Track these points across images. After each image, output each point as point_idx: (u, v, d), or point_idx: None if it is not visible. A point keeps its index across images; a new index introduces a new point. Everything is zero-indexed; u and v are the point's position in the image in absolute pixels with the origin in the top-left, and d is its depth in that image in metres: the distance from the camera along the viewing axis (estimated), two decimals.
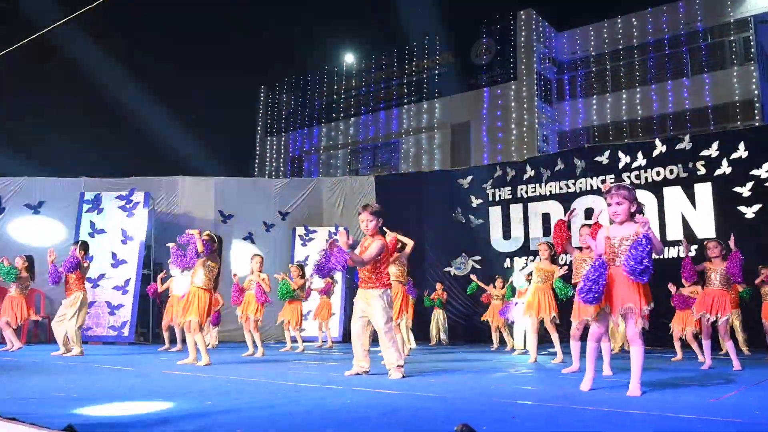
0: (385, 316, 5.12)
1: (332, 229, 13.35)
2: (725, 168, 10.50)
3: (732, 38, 19.17)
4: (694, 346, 7.50)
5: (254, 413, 3.24)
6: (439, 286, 12.27)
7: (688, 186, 10.81)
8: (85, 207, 12.08)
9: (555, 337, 7.28)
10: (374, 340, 6.26)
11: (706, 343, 6.40)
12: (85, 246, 8.38)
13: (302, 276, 9.64)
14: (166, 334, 9.88)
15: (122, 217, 12.03)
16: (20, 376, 5.27)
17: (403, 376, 5.06)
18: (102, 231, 11.92)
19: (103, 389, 4.33)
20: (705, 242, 6.58)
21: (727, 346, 6.32)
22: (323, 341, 11.05)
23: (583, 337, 5.88)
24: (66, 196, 12.73)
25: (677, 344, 7.85)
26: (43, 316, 11.71)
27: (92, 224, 11.94)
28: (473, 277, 11.18)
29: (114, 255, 11.74)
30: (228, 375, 5.45)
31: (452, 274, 13.10)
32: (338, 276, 12.38)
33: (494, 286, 10.60)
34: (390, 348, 5.11)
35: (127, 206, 12.09)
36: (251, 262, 8.70)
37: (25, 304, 8.97)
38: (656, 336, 9.11)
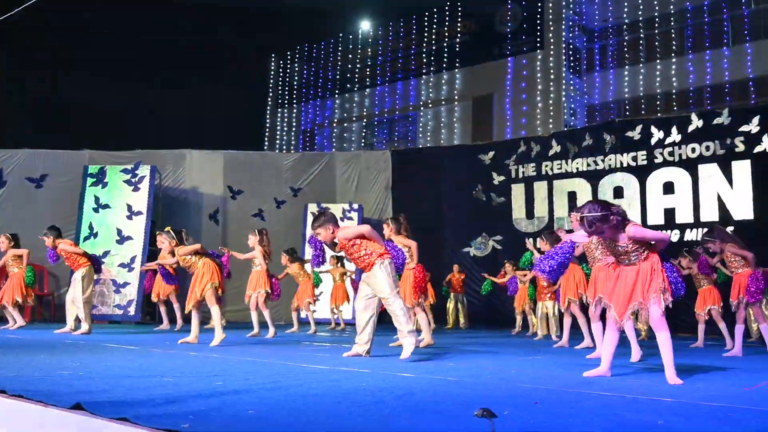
0: (387, 286, 5.35)
1: (346, 206, 13.38)
2: (766, 145, 10.33)
3: None
4: (722, 326, 7.47)
5: (266, 394, 3.30)
6: (455, 267, 12.28)
7: (725, 164, 10.66)
8: (89, 181, 12.21)
9: (582, 321, 7.32)
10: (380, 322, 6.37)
11: (739, 328, 6.46)
12: (56, 232, 8.46)
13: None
14: (163, 309, 10.01)
15: (128, 192, 12.14)
16: (25, 354, 5.39)
17: (415, 347, 5.28)
18: (107, 206, 12.05)
19: (110, 368, 4.42)
20: None
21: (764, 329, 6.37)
22: (336, 323, 11.17)
23: (603, 317, 5.90)
24: (69, 169, 12.87)
25: (702, 328, 7.81)
26: (47, 293, 11.92)
27: (96, 199, 12.07)
28: (486, 275, 11.18)
29: (119, 231, 11.88)
30: (238, 355, 5.54)
31: (472, 254, 13.10)
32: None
33: (516, 269, 10.61)
34: (399, 315, 5.33)
35: (133, 180, 12.20)
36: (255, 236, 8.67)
37: (22, 281, 9.04)
38: (679, 321, 9.10)
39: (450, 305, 12.32)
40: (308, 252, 9.85)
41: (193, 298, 6.72)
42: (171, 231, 7.34)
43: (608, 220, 4.02)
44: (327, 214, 5.55)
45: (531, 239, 9.72)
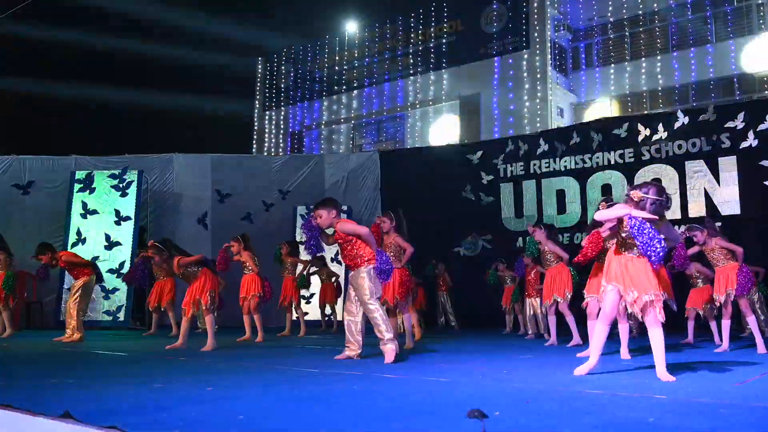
0: (368, 290, 5.36)
1: None
2: (751, 140, 10.40)
3: (760, 1, 18.89)
4: (712, 324, 7.49)
5: (256, 399, 3.28)
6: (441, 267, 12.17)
7: (711, 160, 10.72)
8: (77, 187, 12.11)
9: (570, 319, 7.32)
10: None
11: (726, 324, 6.46)
12: (44, 248, 8.43)
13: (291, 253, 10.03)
14: (156, 316, 10.02)
15: (115, 197, 12.06)
16: (13, 362, 5.34)
17: (397, 353, 5.24)
18: (95, 212, 11.96)
19: (99, 375, 4.38)
20: None
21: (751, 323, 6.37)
22: (328, 324, 11.13)
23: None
24: (56, 175, 12.75)
25: (692, 325, 7.82)
26: (34, 300, 11.82)
27: (84, 204, 11.98)
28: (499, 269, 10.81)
29: (107, 236, 11.79)
30: (228, 360, 5.50)
31: (461, 254, 13.10)
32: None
33: (506, 268, 10.62)
34: (379, 322, 5.30)
35: (121, 185, 12.12)
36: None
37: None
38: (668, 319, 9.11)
39: (439, 307, 12.30)
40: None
41: (194, 306, 6.73)
42: (157, 244, 7.20)
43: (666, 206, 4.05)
44: (332, 200, 5.63)
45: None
